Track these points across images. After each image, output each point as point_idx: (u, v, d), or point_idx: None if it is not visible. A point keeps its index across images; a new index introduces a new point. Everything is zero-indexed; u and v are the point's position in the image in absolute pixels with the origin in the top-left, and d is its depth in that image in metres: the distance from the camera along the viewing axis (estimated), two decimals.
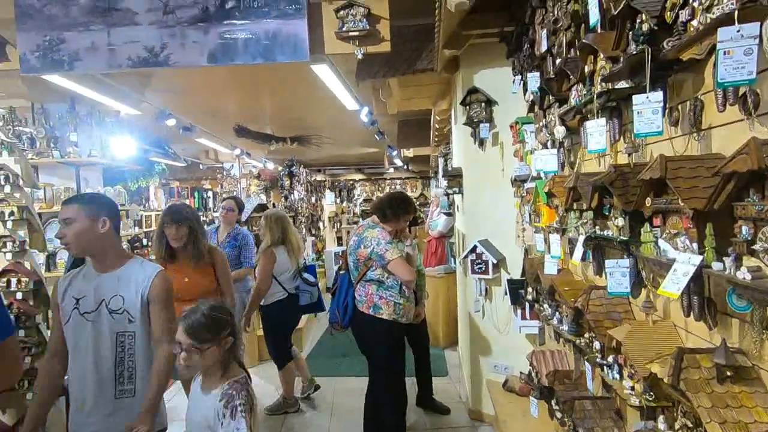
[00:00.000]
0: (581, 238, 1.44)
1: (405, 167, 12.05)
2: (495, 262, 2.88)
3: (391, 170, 12.43)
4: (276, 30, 2.35)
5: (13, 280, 2.62)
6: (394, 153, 9.18)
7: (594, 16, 1.32)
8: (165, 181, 8.31)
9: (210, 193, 9.42)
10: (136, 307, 1.63)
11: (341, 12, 2.33)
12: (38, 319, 2.73)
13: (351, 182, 12.92)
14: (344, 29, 2.34)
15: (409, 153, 8.14)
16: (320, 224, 9.00)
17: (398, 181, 13.38)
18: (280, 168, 8.90)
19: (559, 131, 1.76)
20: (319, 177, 11.97)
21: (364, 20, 2.32)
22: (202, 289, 2.40)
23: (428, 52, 3.24)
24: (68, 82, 3.28)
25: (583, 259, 1.50)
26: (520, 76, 2.40)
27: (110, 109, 4.97)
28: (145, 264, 1.73)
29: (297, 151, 8.79)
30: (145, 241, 5.41)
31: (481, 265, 2.93)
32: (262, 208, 4.46)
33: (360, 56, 2.42)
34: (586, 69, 1.45)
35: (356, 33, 2.33)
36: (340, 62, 3.33)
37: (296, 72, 4.30)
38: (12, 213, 2.64)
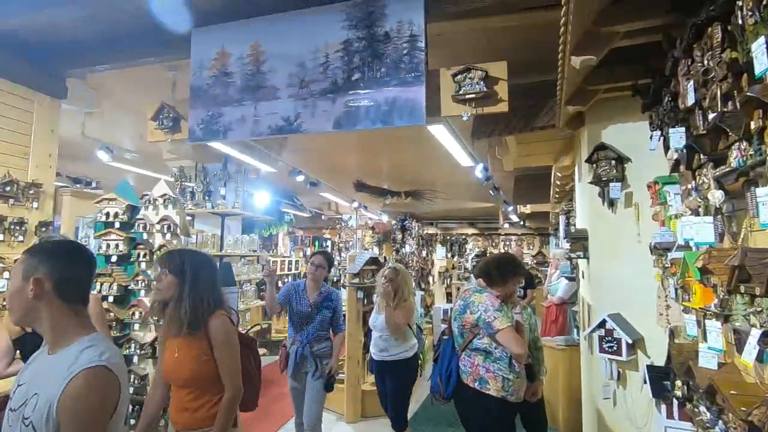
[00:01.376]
0: (755, 333, 1.14)
1: (521, 223, 11.48)
2: (630, 341, 2.47)
3: (506, 226, 11.94)
4: (395, 97, 2.49)
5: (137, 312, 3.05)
6: (510, 209, 8.84)
7: (762, 65, 1.11)
8: (291, 230, 9.17)
9: (329, 242, 10.09)
10: (40, 422, 1.07)
11: (458, 76, 2.38)
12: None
13: (463, 237, 12.71)
14: (461, 92, 2.37)
15: (526, 209, 7.75)
16: (430, 278, 8.91)
17: (513, 238, 12.77)
18: (393, 221, 9.18)
19: (716, 196, 1.48)
20: (431, 230, 12.03)
21: (482, 83, 2.33)
22: (189, 372, 1.81)
23: (548, 109, 3.11)
24: (224, 147, 3.86)
25: (759, 360, 1.18)
26: (659, 132, 2.13)
27: (253, 167, 5.73)
28: (86, 351, 1.13)
29: (410, 205, 9.02)
30: None
31: (611, 344, 2.53)
32: (373, 261, 4.57)
33: (466, 119, 2.42)
34: (752, 125, 1.21)
35: (473, 95, 2.34)
36: (455, 121, 3.38)
37: (413, 131, 4.48)
38: None
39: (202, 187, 5.44)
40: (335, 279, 9.01)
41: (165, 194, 3.14)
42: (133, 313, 3.06)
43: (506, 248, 13.46)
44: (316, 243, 9.16)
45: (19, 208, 3.13)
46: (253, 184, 5.86)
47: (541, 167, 4.81)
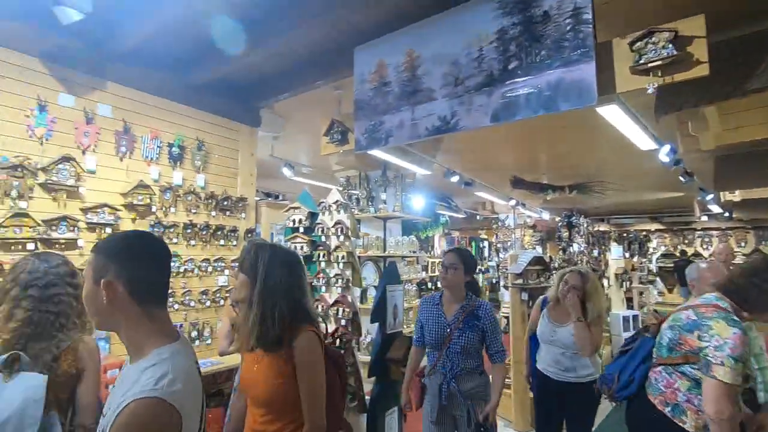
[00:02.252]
0: None
1: (726, 215, 9.36)
2: None
3: (704, 218, 9.88)
4: (558, 79, 2.28)
5: (341, 309, 3.37)
6: (709, 197, 7.27)
7: None
8: (447, 231, 9.25)
9: (486, 243, 9.86)
10: None
11: (638, 44, 2.05)
12: (353, 342, 3.39)
13: (644, 233, 10.98)
14: (642, 61, 2.04)
15: (734, 196, 6.27)
16: (604, 281, 7.93)
17: (715, 233, 10.48)
18: (557, 218, 8.47)
19: None
20: (602, 227, 10.71)
21: (669, 46, 1.96)
22: (265, 392, 1.57)
23: (766, 66, 2.45)
24: (382, 154, 4.11)
25: None
26: None
27: (409, 171, 5.98)
28: (147, 372, 0.99)
29: (576, 200, 8.19)
30: (429, 285, 6.08)
31: None
32: (538, 261, 4.28)
33: (651, 91, 2.04)
34: None
35: (658, 62, 1.98)
36: (632, 98, 2.94)
37: (575, 118, 4.06)
38: (343, 257, 3.45)
39: (366, 193, 5.89)
40: (493, 281, 8.74)
41: (337, 200, 3.50)
42: (317, 307, 3.47)
43: (705, 247, 11.09)
44: (473, 244, 9.07)
45: (232, 219, 3.89)
46: (410, 187, 6.11)
47: (753, 142, 3.83)
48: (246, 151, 4.09)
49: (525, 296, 4.12)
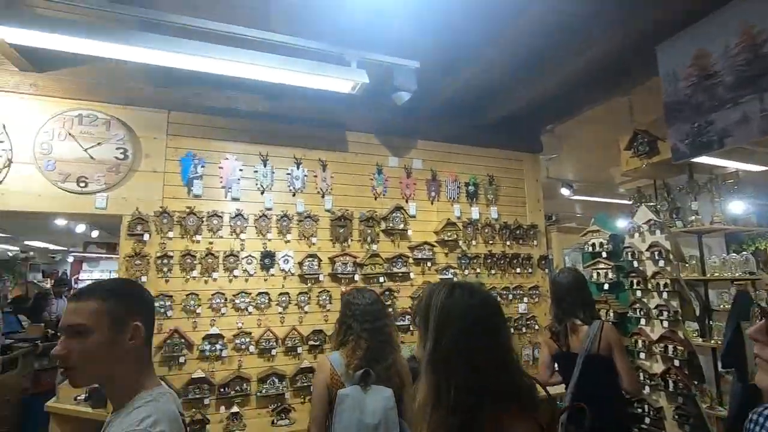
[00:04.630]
0: None
1: None
2: None
3: None
4: None
5: (671, 347, 2.88)
6: None
7: None
8: None
9: None
10: None
11: None
12: (693, 390, 2.82)
13: None
14: None
15: None
16: None
17: None
18: None
19: None
20: None
21: None
22: None
23: None
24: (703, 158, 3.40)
25: None
26: None
27: (729, 170, 4.72)
28: (142, 408, 1.05)
29: None
30: None
31: None
32: None
33: None
34: None
35: None
36: None
37: None
38: (666, 284, 2.96)
39: (668, 205, 4.97)
40: None
41: (650, 220, 3.07)
42: (636, 342, 3.08)
43: None
44: None
45: (525, 246, 3.95)
46: (732, 191, 4.80)
47: None
48: (531, 179, 4.13)
49: None
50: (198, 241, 2.95)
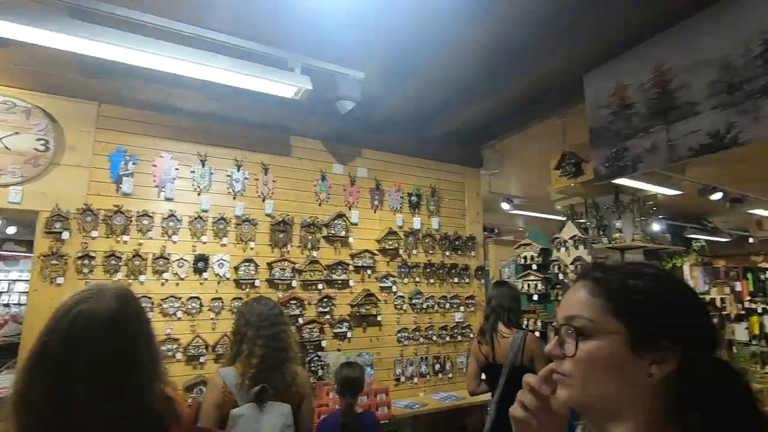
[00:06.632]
0: None
1: None
2: None
3: None
4: None
5: None
6: None
7: None
8: (706, 260, 7.47)
9: None
10: None
11: None
12: None
13: None
14: None
15: None
16: None
17: None
18: None
19: None
20: None
21: None
22: None
23: None
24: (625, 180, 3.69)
25: None
26: None
27: (649, 193, 5.16)
28: None
29: None
30: None
31: None
32: None
33: None
34: None
35: None
36: None
37: None
38: None
39: (596, 222, 5.35)
40: None
41: (574, 235, 3.29)
42: None
43: None
44: (749, 275, 7.01)
45: (464, 257, 4.08)
46: (651, 212, 5.25)
47: None
48: (471, 192, 4.30)
49: None
50: (125, 242, 2.80)
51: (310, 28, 2.53)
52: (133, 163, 2.90)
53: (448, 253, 3.99)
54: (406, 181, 3.94)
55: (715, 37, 2.28)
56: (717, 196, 5.15)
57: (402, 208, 3.87)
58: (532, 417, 0.70)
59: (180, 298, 2.87)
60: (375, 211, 3.73)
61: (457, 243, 4.03)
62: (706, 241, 7.57)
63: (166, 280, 2.86)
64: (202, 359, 2.87)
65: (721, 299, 6.40)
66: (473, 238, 4.15)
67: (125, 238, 2.80)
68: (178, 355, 2.81)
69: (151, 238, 2.87)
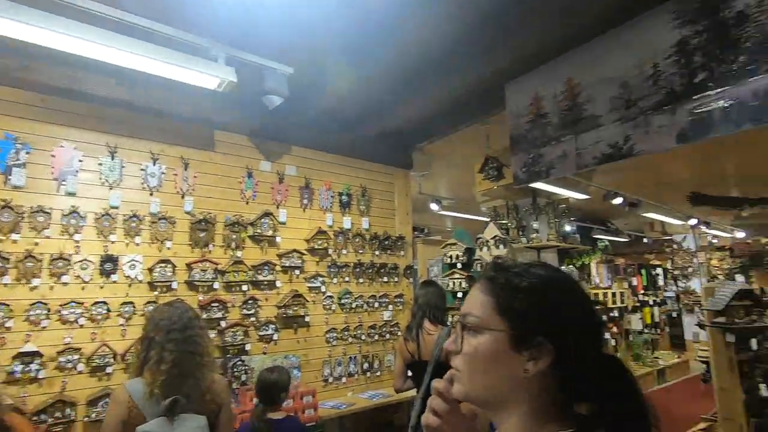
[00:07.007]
0: None
1: None
2: None
3: None
4: None
5: None
6: None
7: None
8: (609, 258, 8.29)
9: (659, 270, 8.53)
10: None
11: None
12: None
13: None
14: None
15: None
16: None
17: None
18: (763, 239, 6.93)
19: None
20: None
21: None
22: None
23: None
24: (539, 184, 3.96)
25: None
26: None
27: (562, 197, 5.61)
28: None
29: None
30: None
31: None
32: (745, 294, 3.54)
33: None
34: None
35: None
36: None
37: None
38: None
39: (516, 223, 5.70)
40: (673, 315, 7.38)
41: (495, 236, 3.48)
42: None
43: None
44: (643, 271, 7.91)
45: (393, 257, 4.15)
46: (564, 214, 5.71)
47: None
48: (401, 192, 4.37)
49: (732, 338, 3.43)
50: (15, 241, 2.47)
51: (237, 18, 2.42)
52: (27, 152, 2.57)
53: (377, 253, 4.03)
54: (337, 180, 3.91)
55: (617, 56, 2.53)
56: (618, 200, 5.74)
57: (332, 208, 3.83)
58: (446, 423, 0.71)
59: (83, 303, 2.60)
60: (304, 210, 3.66)
61: (386, 243, 4.09)
62: (609, 241, 8.40)
63: (66, 283, 2.58)
64: (108, 369, 2.62)
65: (621, 293, 7.15)
66: (403, 237, 4.22)
67: (15, 236, 2.47)
68: (80, 366, 2.54)
69: (48, 237, 2.57)
